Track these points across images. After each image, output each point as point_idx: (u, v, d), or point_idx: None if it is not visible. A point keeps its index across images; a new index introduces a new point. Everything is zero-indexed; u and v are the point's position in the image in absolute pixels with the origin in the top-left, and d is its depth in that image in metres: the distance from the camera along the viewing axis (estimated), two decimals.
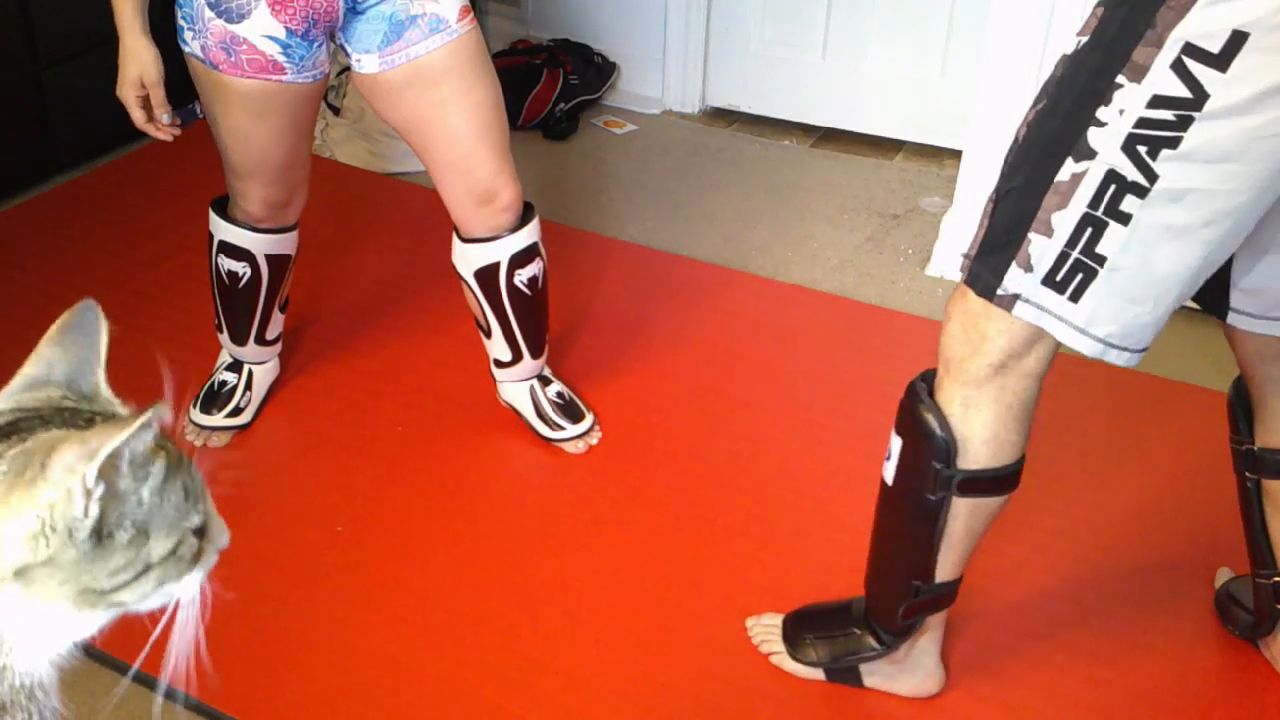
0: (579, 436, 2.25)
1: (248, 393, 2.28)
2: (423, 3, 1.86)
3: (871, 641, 1.74)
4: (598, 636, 1.88)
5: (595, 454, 2.25)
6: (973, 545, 1.61)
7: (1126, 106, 1.27)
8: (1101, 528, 2.10)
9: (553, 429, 2.25)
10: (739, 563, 2.02)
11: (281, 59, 1.82)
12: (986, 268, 1.40)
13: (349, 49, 1.91)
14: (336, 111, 3.34)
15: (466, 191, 2.00)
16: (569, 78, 3.51)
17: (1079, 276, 1.35)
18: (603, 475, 2.21)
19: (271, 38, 1.80)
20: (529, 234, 2.08)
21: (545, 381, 2.28)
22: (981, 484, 1.54)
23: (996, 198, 1.41)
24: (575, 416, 2.27)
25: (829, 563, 2.01)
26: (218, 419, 2.25)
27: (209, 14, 1.79)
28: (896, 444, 1.59)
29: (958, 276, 1.46)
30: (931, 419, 1.52)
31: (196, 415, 2.26)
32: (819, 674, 1.80)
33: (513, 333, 2.16)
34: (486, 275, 2.08)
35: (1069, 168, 1.32)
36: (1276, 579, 1.76)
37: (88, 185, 3.12)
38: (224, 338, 2.26)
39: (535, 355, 2.21)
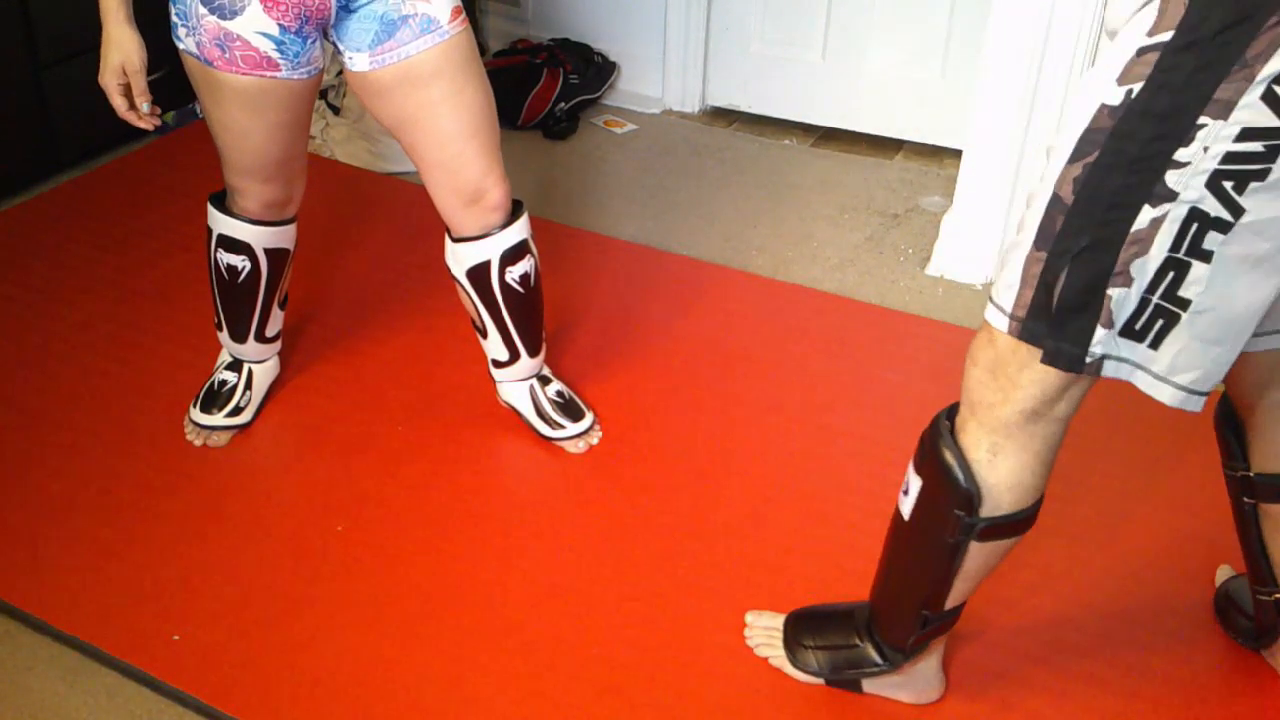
0: (579, 435, 2.25)
1: (248, 392, 2.29)
2: (414, 3, 1.86)
3: (874, 655, 1.73)
4: (599, 636, 1.88)
5: (595, 453, 2.25)
6: (985, 578, 1.60)
7: (1211, 144, 1.23)
8: (1108, 538, 2.11)
9: (553, 428, 2.25)
10: (739, 562, 2.02)
11: (276, 55, 1.83)
12: (1067, 340, 1.34)
13: (341, 46, 1.91)
14: (336, 111, 3.34)
15: (454, 191, 2.00)
16: (569, 77, 3.51)
17: (1159, 323, 1.31)
18: (603, 474, 2.21)
19: (265, 34, 1.80)
20: (518, 231, 2.08)
21: (545, 381, 2.28)
22: (1002, 529, 1.52)
23: (1050, 259, 1.33)
24: (575, 415, 2.27)
25: (829, 562, 2.01)
26: (218, 418, 2.25)
27: (202, 10, 1.79)
28: (916, 483, 1.55)
29: (1001, 326, 1.39)
30: (956, 466, 1.48)
31: (196, 415, 2.26)
32: (818, 680, 1.80)
33: (508, 332, 2.16)
34: (478, 274, 2.09)
35: (1147, 214, 1.27)
36: (1278, 595, 1.76)
37: (88, 185, 3.12)
38: (223, 335, 2.26)
39: (533, 354, 2.21)
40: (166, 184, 3.10)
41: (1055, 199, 1.31)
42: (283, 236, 2.15)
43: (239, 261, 2.13)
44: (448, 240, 2.10)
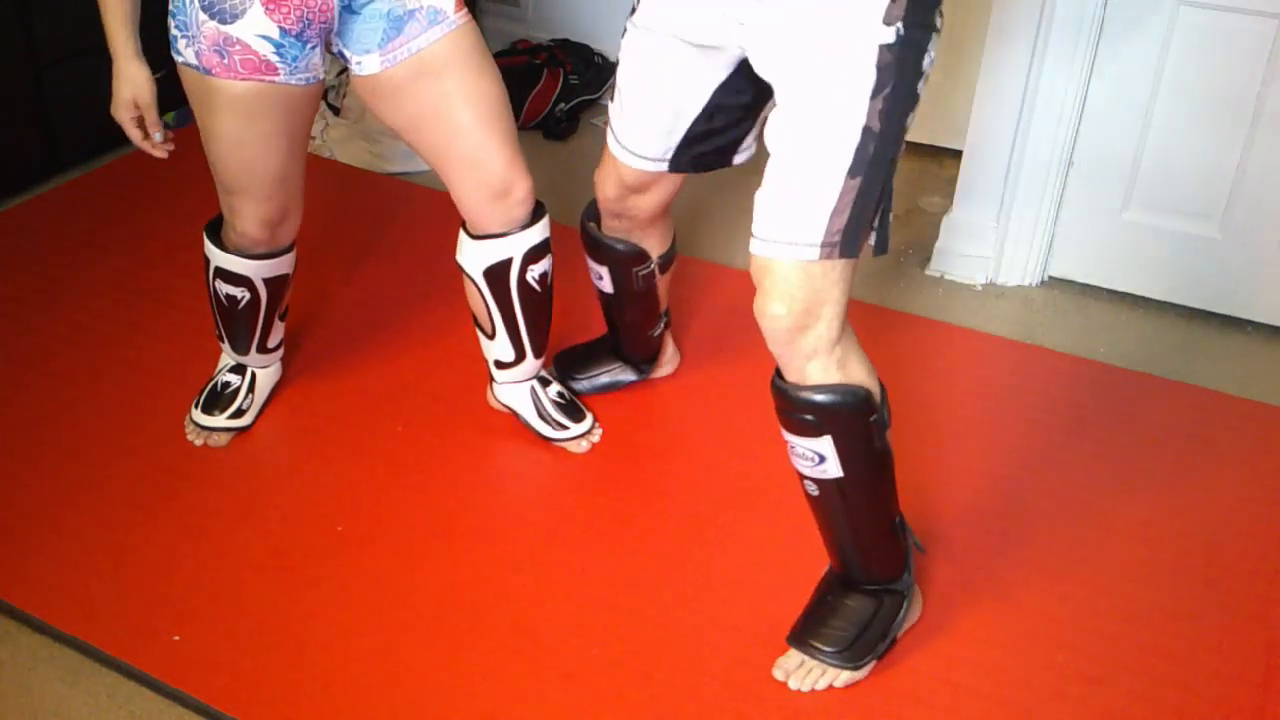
0: (582, 436, 2.25)
1: (250, 395, 2.28)
2: None
3: (898, 600, 1.80)
4: (600, 637, 1.88)
5: (594, 454, 2.25)
6: None
7: (932, 52, 1.60)
8: (1109, 529, 2.11)
9: (555, 429, 2.24)
10: (740, 561, 2.02)
11: (274, 59, 1.82)
12: (884, 231, 1.58)
13: (348, 52, 1.90)
14: (336, 111, 3.34)
15: (481, 185, 1.98)
16: (569, 78, 3.51)
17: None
18: (603, 475, 2.21)
19: (265, 37, 1.80)
20: (543, 229, 2.07)
21: (544, 382, 2.27)
22: (887, 406, 1.68)
23: (866, 181, 1.55)
24: (577, 416, 2.26)
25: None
26: (220, 420, 2.25)
27: (203, 17, 1.78)
28: (825, 442, 1.64)
29: (810, 256, 1.54)
30: (840, 395, 1.61)
31: (198, 416, 2.26)
32: (875, 661, 1.81)
33: (518, 331, 2.15)
34: (496, 272, 2.07)
35: (910, 119, 1.62)
36: None
37: (88, 185, 3.12)
38: (225, 345, 2.26)
39: (537, 355, 2.21)
40: (166, 184, 3.10)
41: (867, 130, 1.52)
42: (281, 265, 2.13)
43: (238, 292, 2.11)
44: (464, 238, 2.07)
